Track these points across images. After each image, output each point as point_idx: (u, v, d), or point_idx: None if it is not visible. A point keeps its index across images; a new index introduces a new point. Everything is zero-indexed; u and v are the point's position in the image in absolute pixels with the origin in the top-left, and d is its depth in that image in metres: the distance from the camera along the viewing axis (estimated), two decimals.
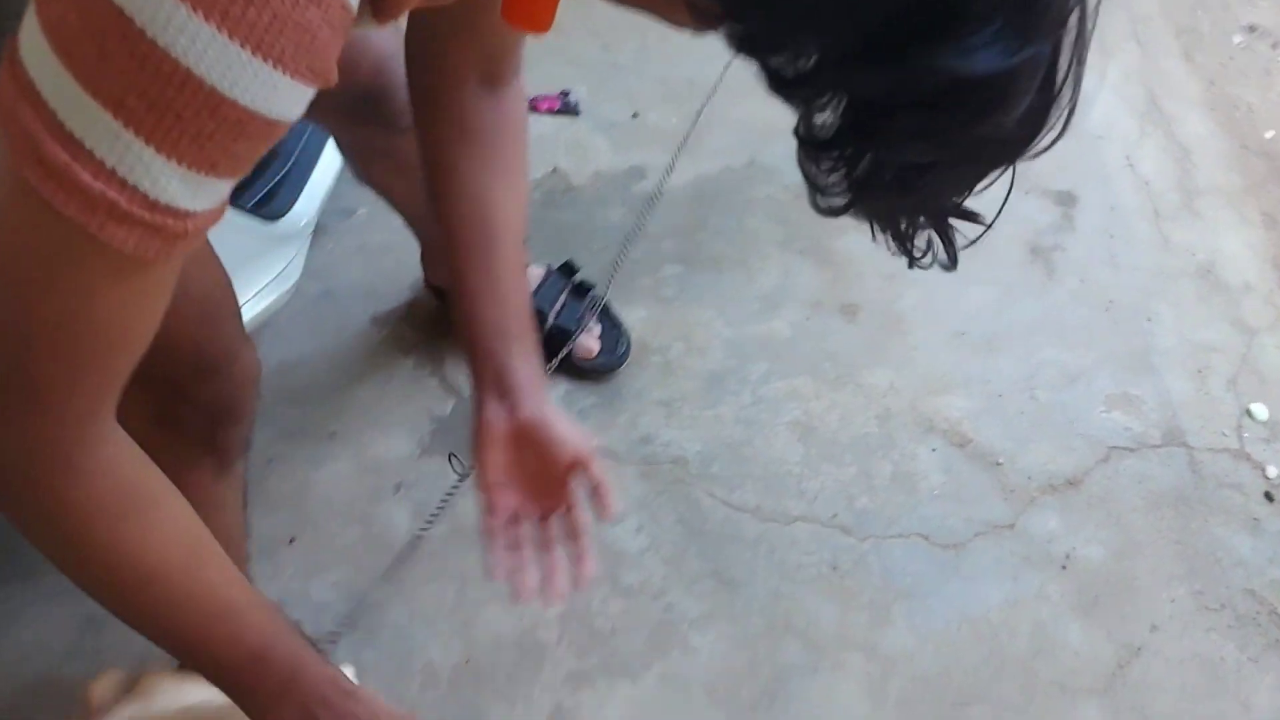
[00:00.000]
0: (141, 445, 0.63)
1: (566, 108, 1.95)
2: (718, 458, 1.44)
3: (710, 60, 1.89)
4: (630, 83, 1.95)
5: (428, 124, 0.87)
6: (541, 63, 1.89)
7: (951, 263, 0.56)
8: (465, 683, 1.23)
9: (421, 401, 1.49)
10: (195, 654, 0.68)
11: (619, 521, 1.36)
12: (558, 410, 0.90)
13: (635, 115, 1.91)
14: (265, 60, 0.45)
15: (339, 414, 1.47)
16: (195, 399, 0.89)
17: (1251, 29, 2.33)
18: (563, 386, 1.50)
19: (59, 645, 1.24)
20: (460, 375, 1.49)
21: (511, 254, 0.88)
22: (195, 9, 0.43)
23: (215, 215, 0.52)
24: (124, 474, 0.61)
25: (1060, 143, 0.49)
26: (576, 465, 0.88)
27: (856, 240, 1.69)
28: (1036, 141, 0.49)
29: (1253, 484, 1.45)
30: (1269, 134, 2.05)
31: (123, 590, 0.64)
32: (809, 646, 1.27)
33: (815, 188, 0.52)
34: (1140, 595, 1.32)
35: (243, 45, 0.44)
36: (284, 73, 0.46)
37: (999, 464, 1.45)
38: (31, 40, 0.46)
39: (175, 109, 0.45)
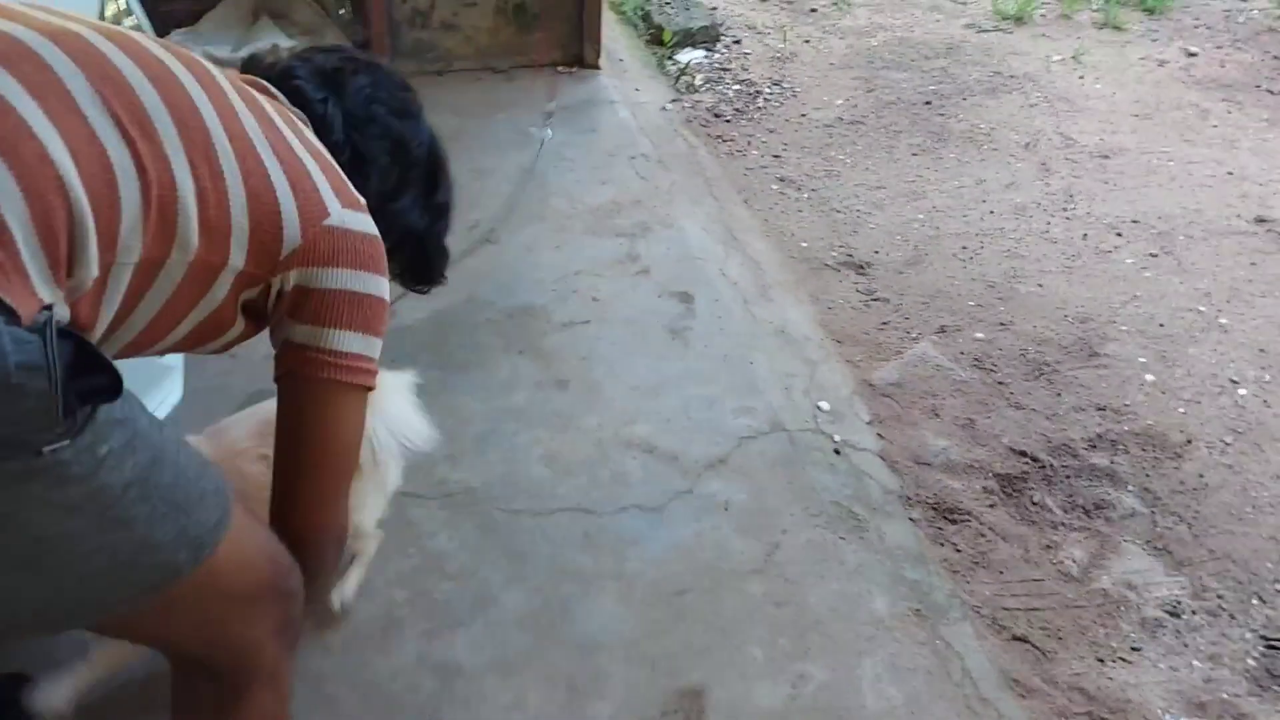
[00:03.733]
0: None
1: None
2: (494, 484, 2.09)
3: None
4: None
5: None
6: None
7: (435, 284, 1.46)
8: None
9: None
10: None
11: (435, 534, 1.96)
12: None
13: None
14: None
15: None
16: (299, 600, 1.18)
17: (782, 180, 3.45)
18: None
19: None
20: None
21: None
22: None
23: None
24: None
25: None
26: None
27: (557, 340, 2.46)
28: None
29: (827, 446, 2.31)
30: (804, 244, 3.10)
31: None
32: (580, 581, 1.92)
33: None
34: (772, 515, 2.11)
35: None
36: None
37: (676, 458, 2.21)
38: (342, 340, 1.11)
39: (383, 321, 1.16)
